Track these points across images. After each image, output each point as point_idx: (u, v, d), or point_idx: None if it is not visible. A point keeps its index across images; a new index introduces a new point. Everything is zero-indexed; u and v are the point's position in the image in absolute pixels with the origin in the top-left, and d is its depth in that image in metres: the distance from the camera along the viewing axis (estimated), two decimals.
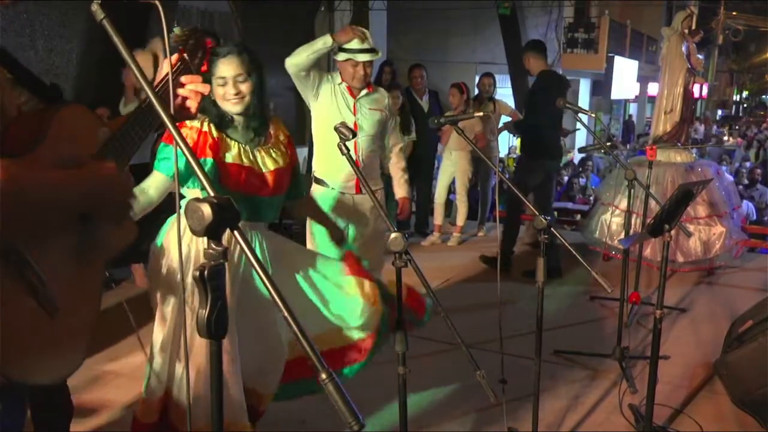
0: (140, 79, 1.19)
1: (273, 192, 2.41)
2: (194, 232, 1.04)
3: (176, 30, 1.66)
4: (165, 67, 1.58)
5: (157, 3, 1.23)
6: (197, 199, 1.03)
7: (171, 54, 1.37)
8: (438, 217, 6.60)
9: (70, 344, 1.34)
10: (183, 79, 1.59)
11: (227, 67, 2.30)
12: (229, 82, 2.31)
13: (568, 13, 16.46)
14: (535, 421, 2.62)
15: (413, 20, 13.89)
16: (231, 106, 2.34)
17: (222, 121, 2.36)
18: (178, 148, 1.16)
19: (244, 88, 2.32)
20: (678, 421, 3.14)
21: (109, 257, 1.47)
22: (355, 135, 2.38)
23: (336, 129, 2.32)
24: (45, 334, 1.25)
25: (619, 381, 3.45)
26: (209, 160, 2.27)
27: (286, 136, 2.52)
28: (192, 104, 1.60)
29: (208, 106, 2.34)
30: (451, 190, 6.74)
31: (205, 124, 2.33)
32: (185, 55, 1.64)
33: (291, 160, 2.53)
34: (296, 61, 3.38)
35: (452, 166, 6.45)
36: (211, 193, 1.07)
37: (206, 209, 1.02)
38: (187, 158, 1.16)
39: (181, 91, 1.59)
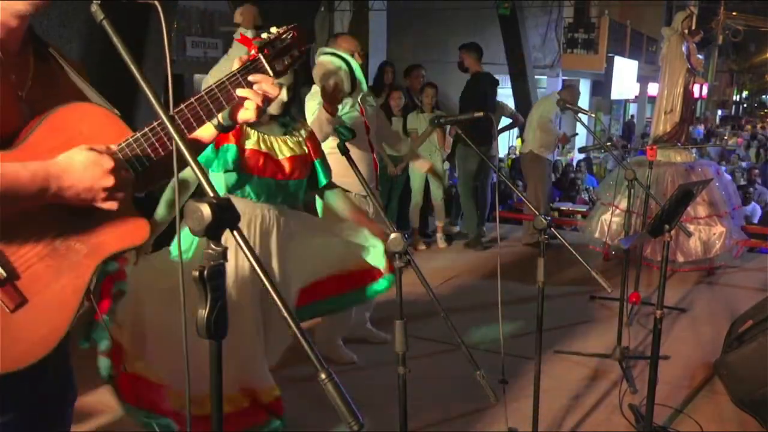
0: (140, 80, 1.19)
1: (289, 176, 2.52)
2: (194, 232, 1.04)
3: (273, 29, 1.54)
4: (234, 64, 1.47)
5: (157, 3, 1.22)
6: (197, 200, 1.03)
7: (170, 55, 1.33)
8: (415, 220, 6.29)
9: (24, 338, 1.25)
10: (251, 77, 1.45)
11: None
12: None
13: (568, 13, 16.49)
14: (535, 421, 2.62)
15: (413, 20, 13.89)
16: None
17: None
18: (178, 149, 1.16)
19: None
20: (678, 421, 3.13)
21: (103, 257, 1.36)
22: (354, 135, 2.44)
23: (336, 129, 2.37)
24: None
25: (619, 381, 3.44)
26: (232, 146, 2.38)
27: (308, 132, 2.64)
28: (251, 106, 1.46)
29: None
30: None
31: None
32: (260, 55, 1.47)
33: (310, 153, 2.63)
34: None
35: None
36: (211, 194, 1.07)
37: (206, 209, 1.02)
38: (186, 157, 1.15)
39: (240, 92, 1.43)
